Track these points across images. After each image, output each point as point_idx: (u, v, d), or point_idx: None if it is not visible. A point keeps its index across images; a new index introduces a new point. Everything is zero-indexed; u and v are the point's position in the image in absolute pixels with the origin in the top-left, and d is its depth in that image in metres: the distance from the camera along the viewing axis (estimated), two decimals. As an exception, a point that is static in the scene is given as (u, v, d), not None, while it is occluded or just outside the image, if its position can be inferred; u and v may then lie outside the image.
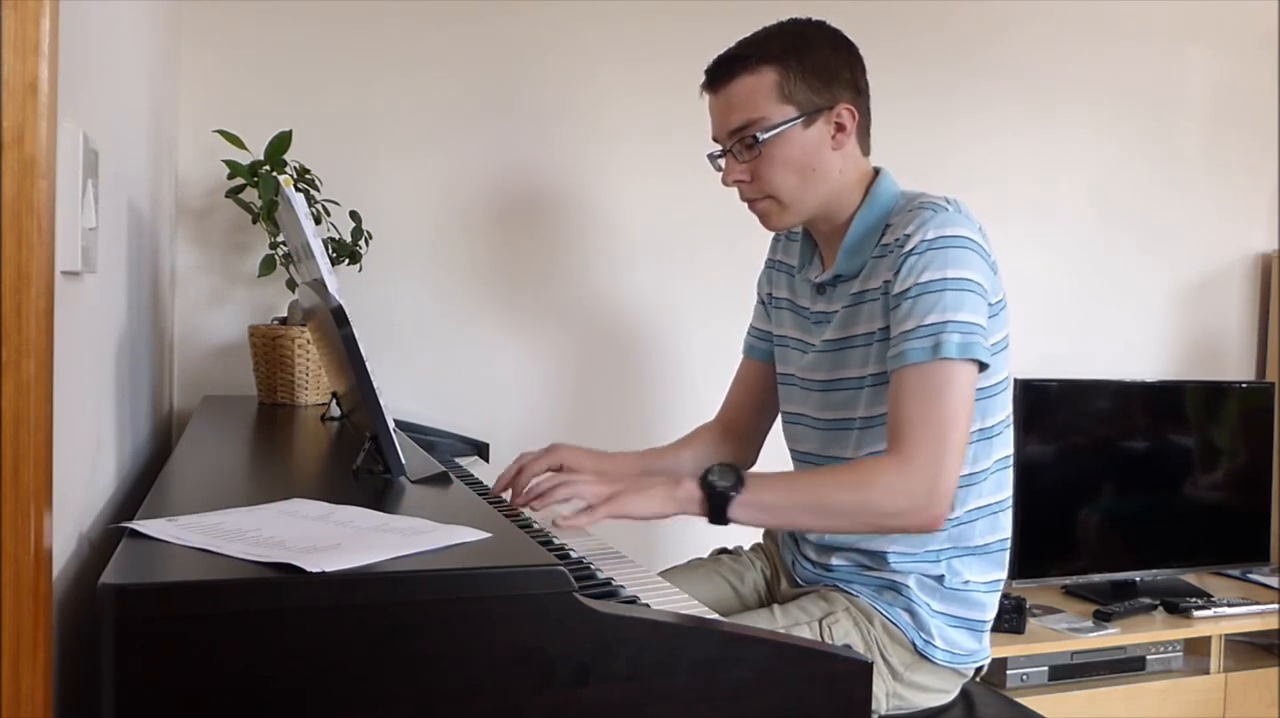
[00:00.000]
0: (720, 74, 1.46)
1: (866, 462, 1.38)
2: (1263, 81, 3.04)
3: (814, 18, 1.49)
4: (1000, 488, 1.47)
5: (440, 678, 0.81)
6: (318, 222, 2.04)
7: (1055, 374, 2.75)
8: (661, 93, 2.37)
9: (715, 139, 1.49)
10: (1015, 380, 2.58)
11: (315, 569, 0.78)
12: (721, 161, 1.49)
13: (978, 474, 1.43)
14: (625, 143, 2.41)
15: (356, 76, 2.24)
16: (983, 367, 1.33)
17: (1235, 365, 3.09)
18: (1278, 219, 3.11)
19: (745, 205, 1.51)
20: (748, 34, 1.50)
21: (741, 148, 1.44)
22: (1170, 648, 2.54)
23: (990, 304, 1.37)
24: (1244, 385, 2.96)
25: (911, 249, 1.34)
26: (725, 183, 1.48)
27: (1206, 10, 2.95)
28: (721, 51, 1.47)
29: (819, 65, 1.43)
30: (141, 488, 1.24)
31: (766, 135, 1.42)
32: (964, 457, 1.33)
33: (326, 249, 1.89)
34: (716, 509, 1.28)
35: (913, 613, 1.42)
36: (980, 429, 1.42)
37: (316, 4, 2.20)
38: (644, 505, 1.30)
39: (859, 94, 1.46)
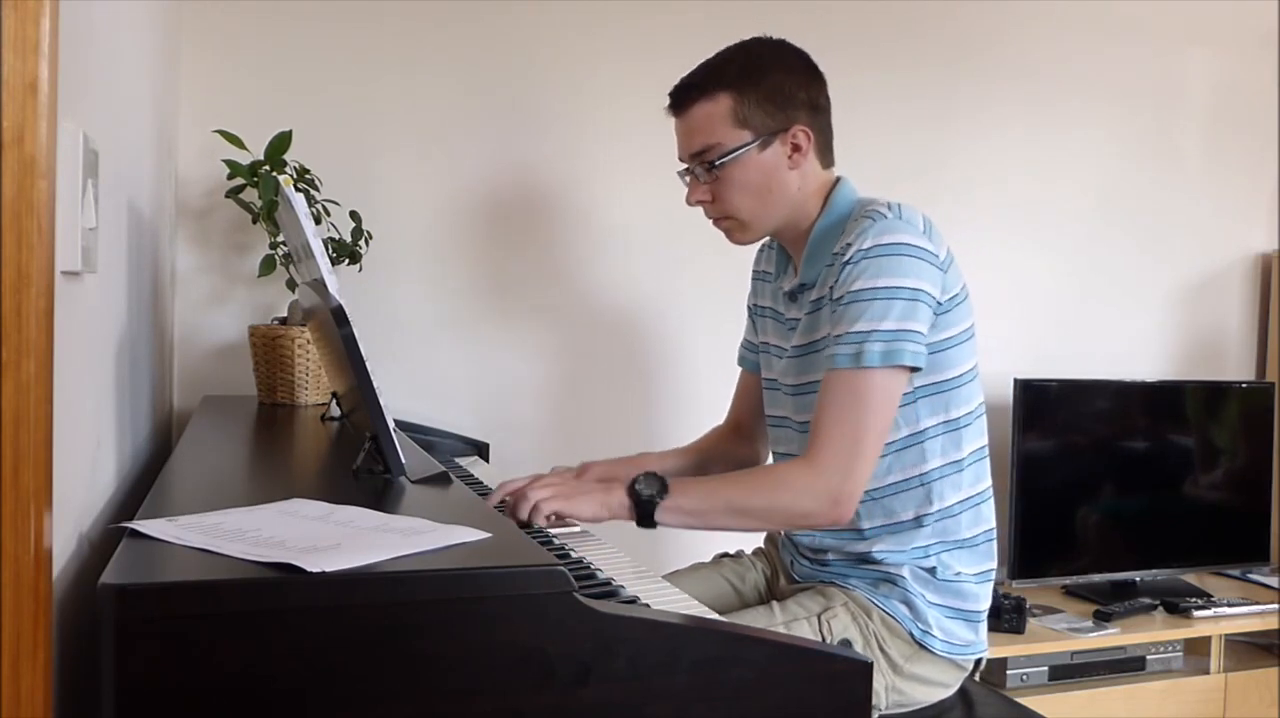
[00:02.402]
0: (680, 100, 1.51)
1: (779, 466, 1.46)
2: (1263, 81, 3.04)
3: (774, 36, 1.53)
4: (980, 479, 1.49)
5: (440, 678, 0.81)
6: (318, 222, 2.04)
7: (1055, 374, 2.75)
8: (661, 92, 2.37)
9: (680, 159, 1.55)
10: (1015, 380, 2.59)
11: (315, 569, 0.78)
12: (689, 179, 1.54)
13: (952, 466, 1.46)
14: (626, 142, 2.41)
15: (356, 76, 2.24)
16: (914, 370, 1.38)
17: (1235, 365, 3.09)
18: (1278, 219, 3.11)
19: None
20: (750, 32, 1.53)
21: (702, 170, 1.50)
22: (1170, 648, 2.54)
23: (939, 303, 1.40)
24: (1244, 385, 2.96)
25: (849, 259, 1.39)
26: (689, 202, 1.55)
27: (1206, 10, 2.95)
28: (684, 75, 1.52)
29: (773, 89, 1.47)
30: (141, 488, 1.24)
31: (723, 160, 1.47)
32: (876, 461, 1.39)
33: (326, 249, 1.89)
34: (644, 515, 1.36)
35: (910, 604, 1.43)
36: (946, 422, 1.45)
37: (316, 4, 2.20)
38: (580, 508, 1.38)
39: (816, 112, 1.50)
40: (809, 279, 1.50)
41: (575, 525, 1.47)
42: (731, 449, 1.75)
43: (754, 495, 1.40)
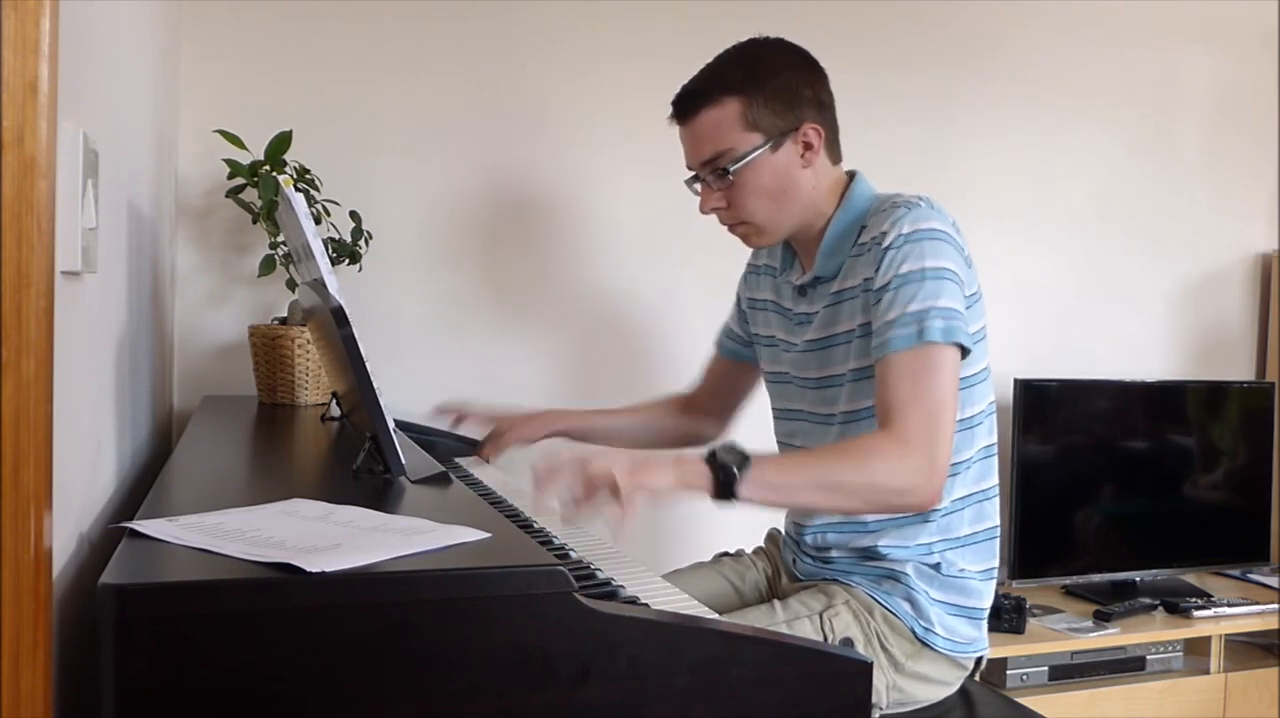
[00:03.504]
0: (685, 108, 1.49)
1: (865, 439, 1.36)
2: (1263, 81, 3.04)
3: (772, 35, 1.51)
4: (984, 477, 1.49)
5: (440, 678, 0.81)
6: (318, 222, 2.04)
7: (1055, 374, 2.75)
8: (662, 91, 2.37)
9: (689, 168, 1.52)
10: (1015, 380, 2.59)
11: (315, 569, 0.78)
12: (698, 187, 1.52)
13: (961, 464, 1.46)
14: (627, 141, 2.41)
15: (356, 76, 2.24)
16: (965, 352, 1.36)
17: (1235, 365, 3.09)
18: (1278, 219, 3.11)
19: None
20: (751, 33, 1.52)
21: (714, 177, 1.48)
22: (1170, 648, 2.54)
23: (967, 295, 1.40)
24: (1244, 385, 2.96)
25: (889, 244, 1.38)
26: (703, 211, 1.52)
27: (1206, 10, 2.95)
28: (686, 82, 1.50)
29: (780, 89, 1.45)
30: (141, 488, 1.24)
31: (737, 165, 1.45)
32: (954, 437, 1.35)
33: (326, 249, 1.89)
34: (725, 487, 1.22)
35: (912, 602, 1.43)
36: (962, 419, 1.44)
37: (316, 4, 2.20)
38: (657, 481, 1.20)
39: (823, 109, 1.49)
40: (826, 272, 1.49)
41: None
42: (679, 423, 1.82)
43: (845, 469, 1.29)
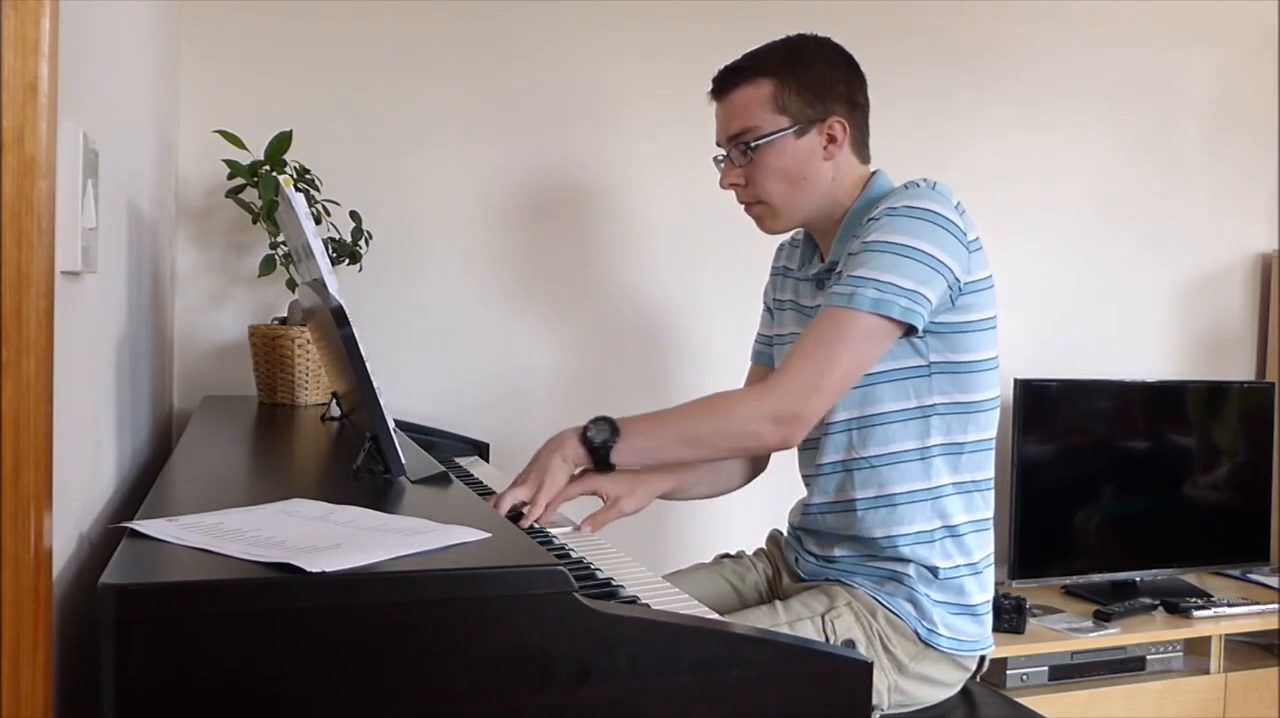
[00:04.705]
0: (723, 84, 1.54)
1: (732, 391, 1.50)
2: (1263, 81, 3.04)
3: (819, 34, 1.56)
4: (979, 468, 1.49)
5: (440, 678, 0.81)
6: (318, 222, 2.03)
7: (1055, 374, 2.75)
8: (663, 91, 2.37)
9: (717, 144, 1.57)
10: (1015, 380, 2.59)
11: (315, 569, 0.78)
12: (723, 165, 1.56)
13: (953, 447, 1.46)
14: (629, 142, 2.41)
15: (357, 77, 2.24)
16: (911, 330, 1.39)
17: (1235, 365, 3.09)
18: (1278, 219, 3.11)
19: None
20: (764, 32, 1.56)
21: (738, 153, 1.53)
22: (1170, 648, 2.54)
23: (960, 281, 1.41)
24: (1244, 385, 2.96)
25: (873, 217, 1.42)
26: (723, 185, 1.57)
27: (1206, 10, 2.95)
28: (729, 61, 1.55)
29: (814, 80, 1.50)
30: (141, 488, 1.24)
31: (759, 143, 1.50)
32: (837, 397, 1.41)
33: (326, 249, 1.89)
34: (600, 461, 1.41)
35: (915, 603, 1.44)
36: (957, 403, 1.46)
37: (316, 4, 2.20)
38: (558, 481, 1.41)
39: (854, 108, 1.53)
40: (838, 257, 1.51)
41: (566, 527, 1.47)
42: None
43: (702, 420, 1.42)
